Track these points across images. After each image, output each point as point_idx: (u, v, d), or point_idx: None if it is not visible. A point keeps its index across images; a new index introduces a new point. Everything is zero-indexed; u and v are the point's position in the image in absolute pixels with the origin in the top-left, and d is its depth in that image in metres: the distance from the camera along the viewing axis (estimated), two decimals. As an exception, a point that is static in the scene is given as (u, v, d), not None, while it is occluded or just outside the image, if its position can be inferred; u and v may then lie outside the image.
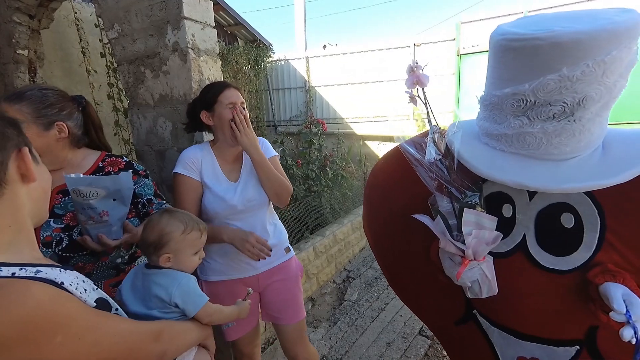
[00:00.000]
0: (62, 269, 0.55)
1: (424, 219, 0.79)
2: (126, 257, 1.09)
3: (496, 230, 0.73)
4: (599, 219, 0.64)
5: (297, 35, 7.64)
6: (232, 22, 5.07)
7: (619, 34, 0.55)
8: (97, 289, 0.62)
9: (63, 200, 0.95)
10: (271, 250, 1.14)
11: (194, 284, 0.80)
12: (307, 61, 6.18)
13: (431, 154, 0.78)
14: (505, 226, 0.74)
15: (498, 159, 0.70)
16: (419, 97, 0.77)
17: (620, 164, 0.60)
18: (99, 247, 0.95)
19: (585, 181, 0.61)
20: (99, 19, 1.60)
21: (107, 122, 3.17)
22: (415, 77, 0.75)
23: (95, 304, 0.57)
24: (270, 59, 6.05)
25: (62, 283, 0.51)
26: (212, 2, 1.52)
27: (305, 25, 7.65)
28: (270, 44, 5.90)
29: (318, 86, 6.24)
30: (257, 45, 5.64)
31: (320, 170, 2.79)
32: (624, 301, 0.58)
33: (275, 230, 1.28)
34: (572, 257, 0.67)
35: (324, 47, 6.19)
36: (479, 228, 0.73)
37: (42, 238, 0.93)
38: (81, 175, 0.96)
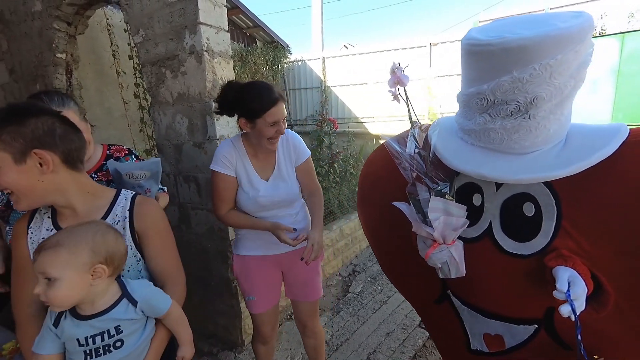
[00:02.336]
0: None
1: (401, 206, 0.88)
2: None
3: (467, 217, 0.80)
4: (555, 208, 0.70)
5: (314, 36, 7.75)
6: (250, 24, 5.26)
7: (563, 39, 0.60)
8: None
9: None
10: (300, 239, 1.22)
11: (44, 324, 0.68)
12: (324, 61, 6.28)
13: (411, 147, 0.87)
14: (475, 214, 0.81)
15: (467, 152, 0.77)
16: (400, 95, 0.86)
17: (572, 157, 0.66)
18: None
19: (538, 172, 0.67)
20: (127, 24, 1.78)
21: (134, 119, 3.42)
22: (396, 78, 0.83)
23: None
24: (287, 59, 6.20)
25: None
26: (226, 8, 1.65)
27: (322, 26, 7.75)
28: (287, 45, 6.05)
29: (334, 86, 6.33)
30: (275, 47, 5.81)
31: (329, 167, 2.89)
32: (569, 283, 0.64)
33: (303, 219, 1.36)
34: (531, 242, 0.73)
35: (345, 47, 6.26)
36: (447, 215, 0.80)
37: None
38: (124, 162, 1.15)
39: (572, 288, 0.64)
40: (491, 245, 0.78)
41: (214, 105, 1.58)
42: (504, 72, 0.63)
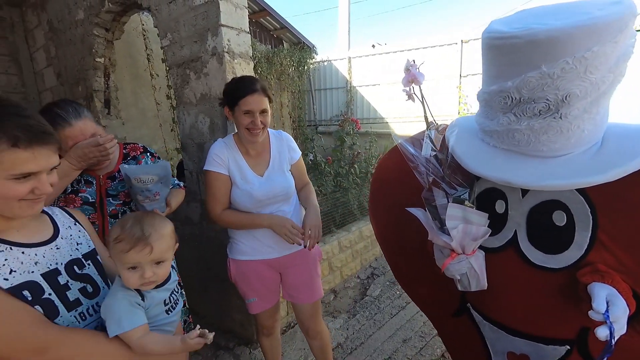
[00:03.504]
0: (7, 248, 0.61)
1: (416, 212, 0.82)
2: None
3: (489, 226, 0.74)
4: (591, 217, 0.63)
5: (340, 36, 7.72)
6: (277, 26, 5.34)
7: (598, 29, 0.53)
8: (33, 272, 0.63)
9: (112, 184, 1.17)
10: (304, 235, 1.21)
11: (121, 307, 0.69)
12: (349, 61, 6.23)
13: (427, 150, 0.82)
14: (497, 222, 0.74)
15: (489, 155, 0.71)
16: (415, 94, 0.81)
17: (610, 161, 0.58)
18: None
19: (570, 178, 0.60)
20: (154, 28, 1.87)
21: (165, 119, 3.61)
22: (411, 76, 0.79)
23: (6, 288, 0.57)
24: (313, 60, 6.23)
25: None
26: (247, 10, 1.68)
27: (349, 26, 7.70)
28: (313, 46, 6.07)
29: (359, 86, 6.26)
30: (301, 48, 5.85)
31: (350, 167, 2.85)
32: (607, 302, 0.57)
33: (297, 219, 1.34)
34: (563, 255, 0.66)
35: (373, 46, 6.17)
36: (466, 223, 0.74)
37: (109, 212, 1.15)
38: (134, 166, 1.20)
39: (610, 308, 0.56)
40: (516, 257, 0.72)
41: (216, 121, 1.62)
42: (530, 67, 0.57)
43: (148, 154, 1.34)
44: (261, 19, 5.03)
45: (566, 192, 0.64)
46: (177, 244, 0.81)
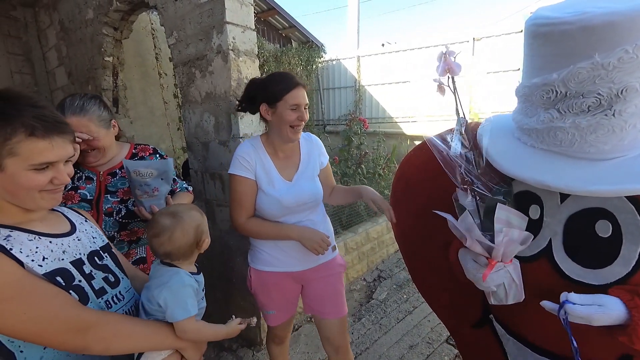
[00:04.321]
0: (36, 237, 0.62)
1: (448, 217, 0.73)
2: None
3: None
4: None
5: (349, 35, 7.66)
6: (286, 25, 5.32)
7: None
8: (63, 260, 0.64)
9: (113, 180, 1.16)
10: (331, 247, 1.12)
11: (186, 293, 0.73)
12: (358, 60, 6.17)
13: (457, 146, 0.74)
14: (530, 229, 0.67)
15: (526, 155, 0.65)
16: (449, 86, 0.73)
17: None
18: (150, 217, 1.13)
19: (620, 184, 0.53)
20: (162, 27, 1.86)
21: (173, 118, 3.62)
22: (447, 65, 0.71)
23: (42, 274, 0.60)
24: (321, 59, 6.19)
25: (12, 249, 0.58)
26: (252, 7, 1.65)
27: (359, 24, 7.64)
28: (322, 45, 6.04)
29: (368, 85, 6.19)
30: (310, 47, 5.82)
31: (357, 167, 2.81)
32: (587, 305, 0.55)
33: (325, 229, 1.25)
34: (605, 270, 0.58)
35: (382, 45, 6.10)
36: (508, 226, 0.67)
37: (104, 209, 1.14)
38: (137, 161, 1.18)
39: (590, 308, 0.54)
40: (549, 268, 0.65)
41: (220, 120, 1.60)
42: (582, 57, 0.51)
43: (157, 155, 1.32)
44: (269, 18, 5.02)
45: (614, 200, 0.57)
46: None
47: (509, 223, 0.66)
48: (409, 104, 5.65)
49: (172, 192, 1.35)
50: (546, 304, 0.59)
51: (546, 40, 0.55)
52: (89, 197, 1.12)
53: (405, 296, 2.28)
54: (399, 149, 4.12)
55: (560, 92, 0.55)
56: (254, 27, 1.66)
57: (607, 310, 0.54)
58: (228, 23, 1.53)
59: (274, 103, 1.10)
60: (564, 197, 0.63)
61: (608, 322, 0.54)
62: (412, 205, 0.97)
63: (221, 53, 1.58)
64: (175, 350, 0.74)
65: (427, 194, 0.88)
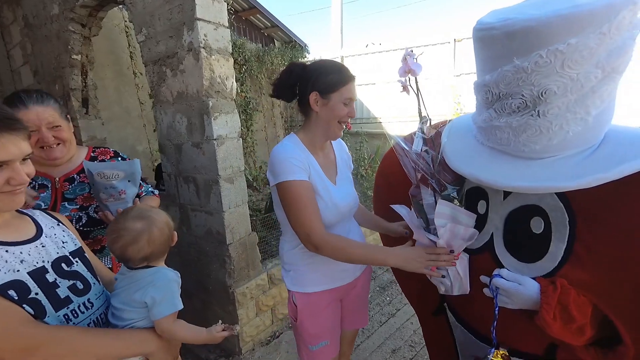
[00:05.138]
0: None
1: (400, 209, 0.82)
2: None
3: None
4: (568, 228, 0.58)
5: (333, 34, 7.64)
6: (268, 24, 5.24)
7: (580, 19, 0.48)
8: (19, 271, 0.61)
9: (70, 186, 1.07)
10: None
11: (173, 287, 0.72)
12: (342, 60, 6.15)
13: (418, 145, 0.79)
14: (478, 223, 0.71)
15: (475, 152, 0.69)
16: (411, 86, 0.77)
17: (592, 167, 0.54)
18: None
19: (539, 181, 0.57)
20: (131, 23, 1.77)
21: (149, 119, 3.49)
22: (407, 66, 0.75)
23: None
24: (305, 59, 6.13)
25: None
26: (225, 4, 1.59)
27: (342, 24, 7.63)
28: (305, 45, 5.99)
29: (352, 85, 6.18)
30: (293, 46, 5.76)
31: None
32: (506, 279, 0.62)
33: (361, 235, 1.11)
34: (536, 265, 0.63)
35: (367, 46, 6.12)
36: (454, 222, 0.71)
37: None
38: (99, 162, 1.11)
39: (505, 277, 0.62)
40: (491, 261, 0.68)
41: (210, 103, 1.53)
42: (507, 61, 0.55)
43: (119, 158, 1.25)
44: (251, 17, 4.92)
45: (547, 198, 0.59)
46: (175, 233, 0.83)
47: (455, 219, 0.70)
48: (393, 105, 5.68)
49: (137, 196, 1.29)
50: (483, 279, 0.66)
51: (483, 45, 0.59)
52: (43, 207, 1.03)
53: (388, 298, 2.25)
54: (383, 149, 4.11)
55: (495, 92, 0.59)
56: (227, 24, 1.60)
57: (524, 290, 0.59)
58: (199, 19, 1.46)
59: (328, 94, 0.95)
60: (506, 194, 0.66)
61: (523, 301, 0.59)
62: (391, 198, 1.01)
63: (192, 51, 1.51)
64: (145, 358, 0.70)
65: (404, 188, 0.92)
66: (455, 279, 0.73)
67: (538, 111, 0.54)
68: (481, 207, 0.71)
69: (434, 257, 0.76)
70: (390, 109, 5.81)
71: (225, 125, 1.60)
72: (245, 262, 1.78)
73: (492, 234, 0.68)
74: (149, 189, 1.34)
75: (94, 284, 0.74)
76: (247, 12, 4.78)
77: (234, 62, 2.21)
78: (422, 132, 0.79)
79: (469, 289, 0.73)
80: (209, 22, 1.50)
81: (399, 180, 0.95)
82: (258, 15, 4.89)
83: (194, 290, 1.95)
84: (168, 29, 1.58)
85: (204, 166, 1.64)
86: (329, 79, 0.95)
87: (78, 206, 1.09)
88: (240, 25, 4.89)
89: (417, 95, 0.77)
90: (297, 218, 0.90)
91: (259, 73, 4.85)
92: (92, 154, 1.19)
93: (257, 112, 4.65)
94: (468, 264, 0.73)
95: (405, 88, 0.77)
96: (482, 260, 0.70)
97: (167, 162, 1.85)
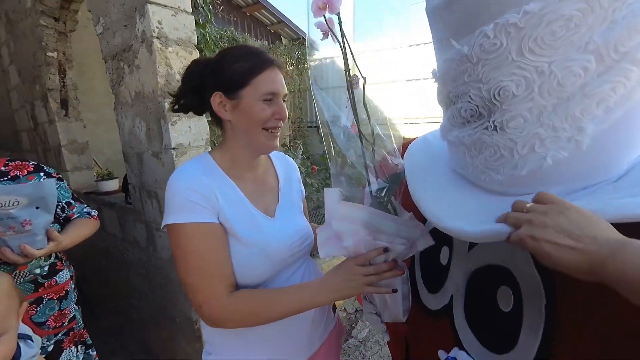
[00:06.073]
0: None
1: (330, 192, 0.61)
2: (45, 269, 1.05)
3: (433, 278, 0.55)
4: (544, 314, 0.37)
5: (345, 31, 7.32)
6: (274, 20, 5.00)
7: None
8: None
9: None
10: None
11: None
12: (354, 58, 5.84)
13: (344, 118, 0.60)
14: (438, 276, 0.54)
15: (435, 177, 0.54)
16: (332, 32, 0.55)
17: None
18: (20, 259, 0.88)
19: (482, 225, 0.38)
20: (89, 12, 1.53)
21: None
22: (321, 1, 0.53)
23: None
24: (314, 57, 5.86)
25: None
26: (188, -16, 1.32)
27: (354, 19, 7.29)
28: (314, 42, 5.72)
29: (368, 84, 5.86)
30: (301, 44, 5.49)
31: (339, 178, 2.46)
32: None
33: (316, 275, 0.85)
34: (502, 358, 0.41)
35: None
36: (367, 228, 0.54)
37: None
38: None
39: None
40: (450, 334, 0.49)
41: (167, 105, 1.26)
42: (449, 45, 0.39)
43: (42, 174, 1.02)
44: (256, 13, 4.69)
45: (520, 260, 0.40)
46: (25, 303, 0.66)
47: (371, 225, 0.54)
48: (406, 104, 5.31)
49: (68, 219, 1.06)
50: (441, 354, 0.51)
51: (430, 22, 0.45)
52: None
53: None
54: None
55: (444, 93, 0.45)
56: (190, 10, 1.32)
57: None
58: (150, 3, 1.19)
59: (235, 91, 0.67)
60: (472, 245, 0.48)
61: None
62: None
63: (145, 42, 1.25)
64: None
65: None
66: (384, 304, 0.59)
67: (493, 122, 0.38)
68: (444, 255, 0.54)
69: (372, 268, 0.57)
70: (400, 109, 5.45)
71: (187, 131, 1.33)
72: (214, 292, 1.51)
73: (452, 296, 0.50)
74: (84, 210, 1.12)
75: None
76: (250, 8, 4.55)
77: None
78: (350, 99, 0.59)
79: (402, 318, 0.58)
80: (165, 6, 1.24)
81: None
82: (262, 10, 4.65)
83: (161, 319, 1.70)
84: (122, 17, 1.33)
85: (163, 180, 1.38)
86: (234, 69, 0.67)
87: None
88: (245, 22, 4.67)
89: (343, 42, 0.54)
90: (186, 279, 0.63)
91: (263, 72, 4.63)
92: (2, 168, 0.95)
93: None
94: (407, 290, 0.59)
95: (325, 34, 0.56)
96: (439, 328, 0.53)
97: (131, 172, 1.61)
